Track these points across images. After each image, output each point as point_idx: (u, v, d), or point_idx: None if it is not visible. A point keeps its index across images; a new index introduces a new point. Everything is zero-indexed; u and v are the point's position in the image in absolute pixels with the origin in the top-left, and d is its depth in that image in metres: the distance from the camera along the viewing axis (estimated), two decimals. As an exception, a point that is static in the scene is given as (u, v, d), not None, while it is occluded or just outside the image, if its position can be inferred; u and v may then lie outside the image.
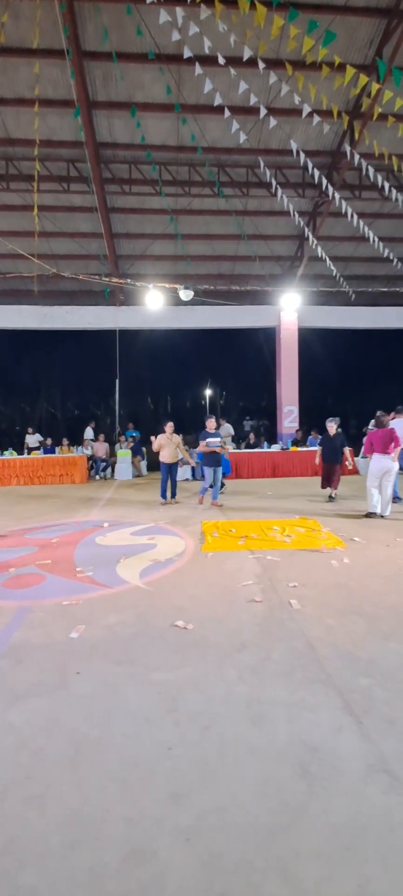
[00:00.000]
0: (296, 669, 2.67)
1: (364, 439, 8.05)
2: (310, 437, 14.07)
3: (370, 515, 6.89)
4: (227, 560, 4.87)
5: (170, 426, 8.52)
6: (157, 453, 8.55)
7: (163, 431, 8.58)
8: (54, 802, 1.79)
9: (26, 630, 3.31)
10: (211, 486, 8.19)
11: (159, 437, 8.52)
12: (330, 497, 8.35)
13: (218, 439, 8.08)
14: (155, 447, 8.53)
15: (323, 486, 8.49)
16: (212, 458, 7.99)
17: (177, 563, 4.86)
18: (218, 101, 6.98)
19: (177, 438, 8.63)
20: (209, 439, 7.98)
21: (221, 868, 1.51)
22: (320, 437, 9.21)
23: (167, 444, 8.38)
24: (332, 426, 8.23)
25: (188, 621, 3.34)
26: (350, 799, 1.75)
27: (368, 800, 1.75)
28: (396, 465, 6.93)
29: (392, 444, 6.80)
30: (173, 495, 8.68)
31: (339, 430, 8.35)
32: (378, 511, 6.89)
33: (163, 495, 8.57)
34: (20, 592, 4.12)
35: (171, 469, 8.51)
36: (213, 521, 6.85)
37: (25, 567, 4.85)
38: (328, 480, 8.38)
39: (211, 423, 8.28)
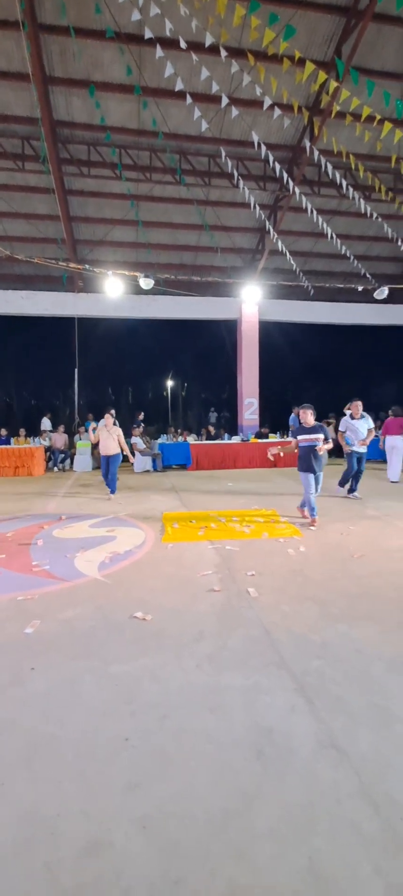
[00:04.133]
0: (252, 655, 2.74)
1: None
2: (292, 415, 13.66)
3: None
4: (187, 551, 4.90)
5: (106, 417, 8.18)
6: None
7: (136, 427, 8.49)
8: (8, 801, 1.75)
9: (-23, 628, 3.18)
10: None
11: (99, 428, 8.23)
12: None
13: (319, 435, 5.95)
14: (93, 439, 8.32)
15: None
16: (306, 460, 5.98)
17: (137, 554, 4.84)
18: (179, 86, 6.89)
19: (117, 431, 8.13)
20: (301, 436, 6.07)
21: (177, 854, 1.53)
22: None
23: (105, 436, 8.05)
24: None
25: (147, 612, 3.34)
26: (302, 777, 1.83)
27: (318, 776, 1.83)
28: (401, 444, 9.41)
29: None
30: (112, 490, 8.16)
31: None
32: (391, 479, 9.38)
33: (110, 489, 8.21)
34: (-29, 589, 3.94)
35: (109, 461, 8.06)
36: (174, 512, 6.86)
37: (-23, 563, 4.64)
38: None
39: (307, 416, 6.10)
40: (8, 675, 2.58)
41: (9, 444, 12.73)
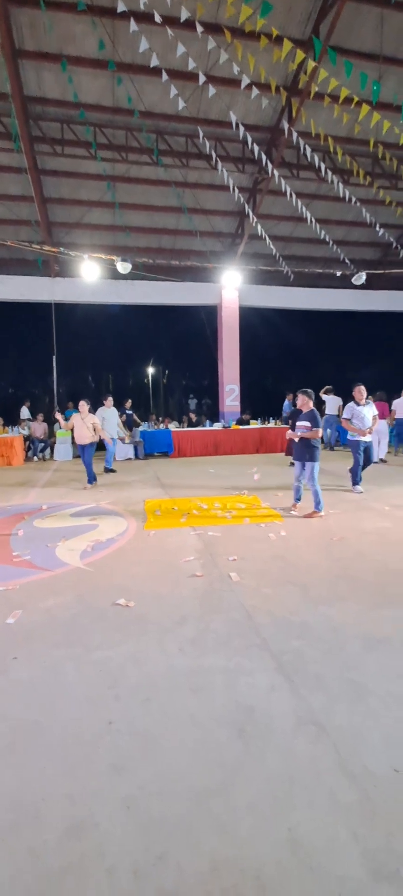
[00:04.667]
0: (234, 637, 2.79)
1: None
2: (286, 401, 13.47)
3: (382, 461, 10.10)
4: (169, 537, 4.92)
5: (81, 405, 8.04)
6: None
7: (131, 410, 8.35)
8: (-10, 791, 1.74)
9: None
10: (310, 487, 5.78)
11: (72, 416, 8.12)
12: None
13: (306, 423, 5.70)
14: (65, 427, 8.20)
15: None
16: (301, 449, 5.74)
17: (119, 542, 4.83)
18: (154, 62, 6.71)
19: (92, 419, 8.01)
20: (298, 422, 5.80)
21: (161, 831, 1.56)
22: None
23: (79, 424, 7.91)
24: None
25: (129, 599, 3.35)
26: (282, 752, 1.88)
27: (297, 751, 1.89)
28: (386, 426, 10.43)
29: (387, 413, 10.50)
30: (89, 480, 8.04)
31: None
32: (380, 457, 10.03)
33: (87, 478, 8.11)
34: None
35: (84, 451, 7.98)
36: (156, 499, 6.86)
37: None
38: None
39: (304, 401, 5.86)
40: (-11, 667, 2.55)
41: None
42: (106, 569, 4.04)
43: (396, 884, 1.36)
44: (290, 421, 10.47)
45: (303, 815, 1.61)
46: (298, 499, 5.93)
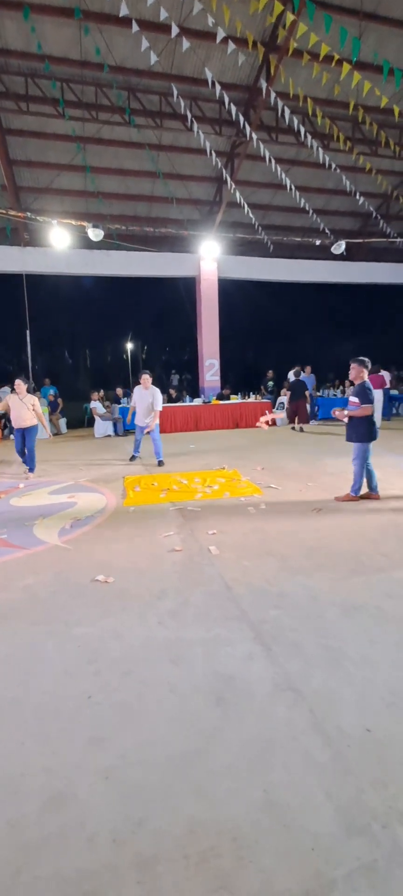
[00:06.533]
0: (213, 609, 2.82)
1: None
2: (290, 374, 12.98)
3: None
4: (149, 513, 4.90)
5: (18, 384, 7.14)
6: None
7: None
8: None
9: None
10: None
11: (7, 397, 7.23)
12: (297, 429, 10.89)
13: (356, 399, 4.92)
14: (1, 408, 7.35)
15: (291, 422, 11.24)
16: (349, 428, 5.01)
17: (98, 519, 4.78)
18: (124, 10, 6.32)
19: (32, 399, 7.09)
20: (352, 398, 4.97)
21: (140, 798, 1.59)
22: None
23: (17, 405, 6.95)
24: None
25: (109, 575, 3.34)
26: (259, 717, 1.93)
27: (274, 715, 1.94)
28: (381, 396, 10.94)
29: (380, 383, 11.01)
30: (30, 468, 7.06)
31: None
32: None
33: (28, 467, 7.15)
34: None
35: (24, 434, 7.01)
36: (136, 475, 6.81)
37: None
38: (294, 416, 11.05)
39: (357, 373, 4.96)
40: (-35, 649, 2.51)
41: None
42: (85, 546, 4.01)
43: (367, 836, 1.43)
44: (290, 393, 11.10)
45: (279, 775, 1.65)
46: (357, 489, 5.04)
